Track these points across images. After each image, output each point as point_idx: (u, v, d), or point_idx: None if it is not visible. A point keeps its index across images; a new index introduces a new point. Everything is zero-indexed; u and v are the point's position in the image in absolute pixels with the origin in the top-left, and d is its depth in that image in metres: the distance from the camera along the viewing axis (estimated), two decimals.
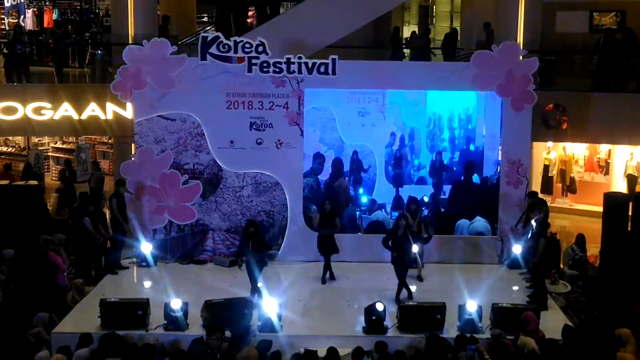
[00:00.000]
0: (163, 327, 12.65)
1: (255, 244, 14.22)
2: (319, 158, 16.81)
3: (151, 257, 15.95)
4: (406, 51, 22.48)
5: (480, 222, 16.59)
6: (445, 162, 17.03)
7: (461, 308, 12.79)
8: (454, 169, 17.14)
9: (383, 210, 16.96)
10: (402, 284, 14.12)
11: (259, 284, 14.02)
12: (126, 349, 11.43)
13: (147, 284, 15.27)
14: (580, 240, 16.38)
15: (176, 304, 12.68)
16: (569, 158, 21.60)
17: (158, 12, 21.04)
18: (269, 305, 12.73)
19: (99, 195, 18.94)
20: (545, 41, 20.30)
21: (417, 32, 23.27)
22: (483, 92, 16.59)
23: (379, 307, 12.65)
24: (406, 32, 28.22)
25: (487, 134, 16.90)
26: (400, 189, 17.11)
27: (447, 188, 17.11)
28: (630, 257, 14.30)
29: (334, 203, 15.57)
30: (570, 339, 11.62)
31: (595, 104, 18.49)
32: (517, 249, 15.28)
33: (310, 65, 15.89)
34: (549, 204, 17.92)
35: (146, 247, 15.91)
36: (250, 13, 25.61)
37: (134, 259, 16.20)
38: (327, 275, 15.30)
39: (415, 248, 14.39)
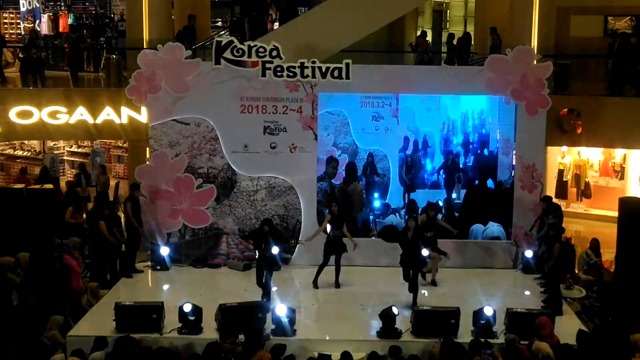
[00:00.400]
0: (177, 330, 12.68)
1: (269, 244, 14.23)
2: (332, 162, 16.82)
3: (168, 260, 16.03)
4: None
5: (495, 227, 16.55)
6: (457, 163, 17.01)
7: (476, 313, 12.77)
8: (469, 173, 17.12)
9: (397, 214, 16.94)
10: (413, 288, 14.00)
11: (274, 289, 14.04)
12: (141, 352, 11.47)
13: (162, 287, 15.31)
14: (595, 245, 16.31)
15: (187, 307, 12.70)
16: (583, 162, 21.51)
17: (172, 17, 21.13)
18: (283, 309, 12.74)
19: (106, 199, 19.07)
20: (560, 45, 20.25)
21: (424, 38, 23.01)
22: (497, 96, 16.57)
23: (394, 311, 12.64)
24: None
25: (502, 138, 16.87)
26: (412, 194, 17.11)
27: (461, 192, 17.11)
28: None
29: (341, 206, 15.45)
30: (584, 345, 11.58)
31: (610, 109, 18.42)
32: (529, 253, 15.28)
33: (323, 70, 15.92)
34: (563, 208, 17.88)
35: (164, 250, 15.99)
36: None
37: (149, 263, 16.26)
38: (337, 279, 15.20)
39: (425, 252, 14.36)
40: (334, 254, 15.13)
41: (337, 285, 15.13)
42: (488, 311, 12.69)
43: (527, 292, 15.12)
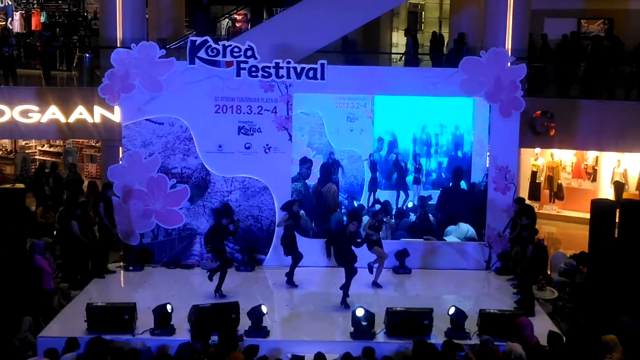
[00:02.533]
0: (150, 331, 12.59)
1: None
2: (307, 163, 16.79)
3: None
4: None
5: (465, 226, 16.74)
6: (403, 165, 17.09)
7: (448, 314, 12.79)
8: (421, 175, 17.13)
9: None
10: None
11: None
12: (112, 353, 11.37)
13: (134, 288, 15.19)
14: (581, 256, 16.28)
15: (161, 308, 12.64)
16: (556, 164, 21.69)
17: (147, 16, 20.99)
18: (257, 310, 12.70)
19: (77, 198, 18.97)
20: (533, 48, 20.38)
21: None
22: (471, 98, 16.65)
23: (359, 312, 12.60)
24: (394, 38, 28.32)
25: (475, 140, 16.93)
26: (374, 193, 17.14)
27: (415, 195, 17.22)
28: (617, 264, 14.33)
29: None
30: (556, 345, 11.64)
31: (582, 111, 18.58)
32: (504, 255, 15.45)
33: (299, 70, 15.91)
34: (536, 210, 17.98)
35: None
36: (239, 17, 25.67)
37: (121, 263, 16.15)
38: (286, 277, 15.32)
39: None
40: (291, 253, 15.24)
41: (292, 283, 15.21)
42: (457, 312, 12.72)
43: (500, 293, 15.18)
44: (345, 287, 14.08)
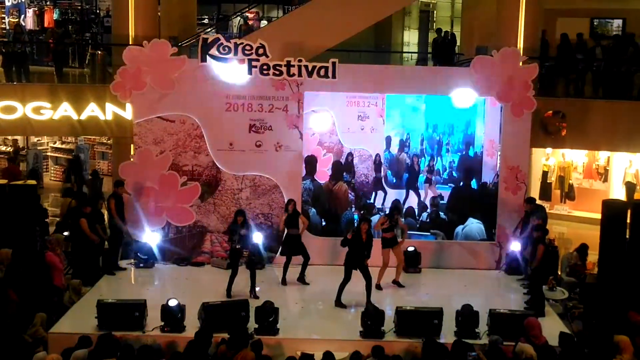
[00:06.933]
0: (160, 328, 12.62)
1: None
2: (313, 163, 16.79)
3: (157, 250, 16.07)
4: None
5: (474, 225, 16.58)
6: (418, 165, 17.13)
7: (458, 313, 12.78)
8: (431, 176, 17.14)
9: (382, 214, 16.93)
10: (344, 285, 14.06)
11: (257, 288, 14.14)
12: (123, 350, 11.40)
13: (145, 285, 15.24)
14: (582, 249, 16.27)
15: (172, 303, 12.63)
16: (567, 165, 21.63)
17: (159, 13, 21.04)
18: (266, 306, 12.72)
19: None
20: (546, 47, 20.31)
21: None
22: (483, 97, 16.62)
23: (376, 310, 12.63)
24: (406, 37, 28.31)
25: (487, 139, 16.90)
26: (380, 192, 17.18)
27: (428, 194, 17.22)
28: (628, 264, 14.28)
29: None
30: (567, 346, 11.62)
31: (594, 111, 18.51)
32: (515, 246, 15.33)
33: (310, 68, 15.90)
34: (547, 210, 17.95)
35: (152, 240, 16.00)
36: (251, 15, 25.70)
37: (132, 260, 16.20)
38: (287, 276, 15.27)
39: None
40: (294, 254, 15.21)
41: (284, 282, 15.15)
42: (468, 311, 12.71)
43: (510, 293, 15.15)
44: (367, 289, 13.92)
